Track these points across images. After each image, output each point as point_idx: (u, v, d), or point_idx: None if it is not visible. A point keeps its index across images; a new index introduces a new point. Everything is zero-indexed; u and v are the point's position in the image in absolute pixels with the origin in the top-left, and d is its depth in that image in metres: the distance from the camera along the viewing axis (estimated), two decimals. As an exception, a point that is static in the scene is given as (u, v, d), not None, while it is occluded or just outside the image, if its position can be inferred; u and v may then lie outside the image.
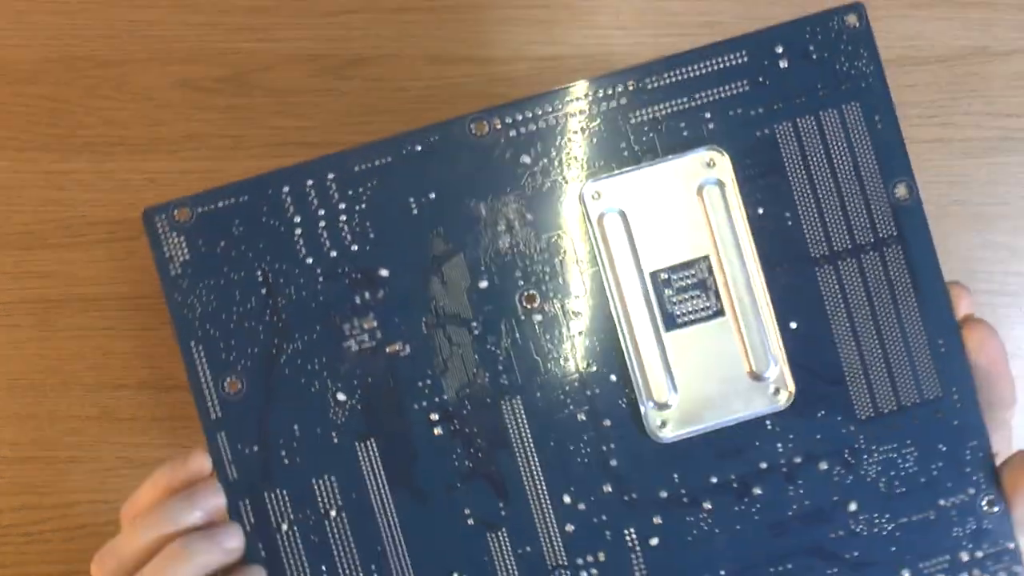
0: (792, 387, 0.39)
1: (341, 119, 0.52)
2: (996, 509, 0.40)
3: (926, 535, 0.40)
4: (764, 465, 0.40)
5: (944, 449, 0.40)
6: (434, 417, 0.39)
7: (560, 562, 0.40)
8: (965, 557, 0.40)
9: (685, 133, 0.40)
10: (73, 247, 0.51)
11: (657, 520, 0.40)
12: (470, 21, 0.51)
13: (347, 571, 0.39)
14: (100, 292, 0.51)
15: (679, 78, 0.40)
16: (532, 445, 0.40)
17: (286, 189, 0.39)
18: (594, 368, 0.40)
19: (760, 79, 0.40)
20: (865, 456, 0.40)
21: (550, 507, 0.40)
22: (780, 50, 0.40)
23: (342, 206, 0.40)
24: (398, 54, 0.52)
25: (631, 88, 0.40)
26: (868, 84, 0.39)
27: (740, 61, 0.40)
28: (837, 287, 0.40)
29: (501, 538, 0.40)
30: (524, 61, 0.52)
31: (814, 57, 0.40)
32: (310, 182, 0.39)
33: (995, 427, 0.41)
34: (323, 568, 0.39)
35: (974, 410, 0.39)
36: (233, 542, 0.39)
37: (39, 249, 0.52)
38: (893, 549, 0.40)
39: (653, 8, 0.51)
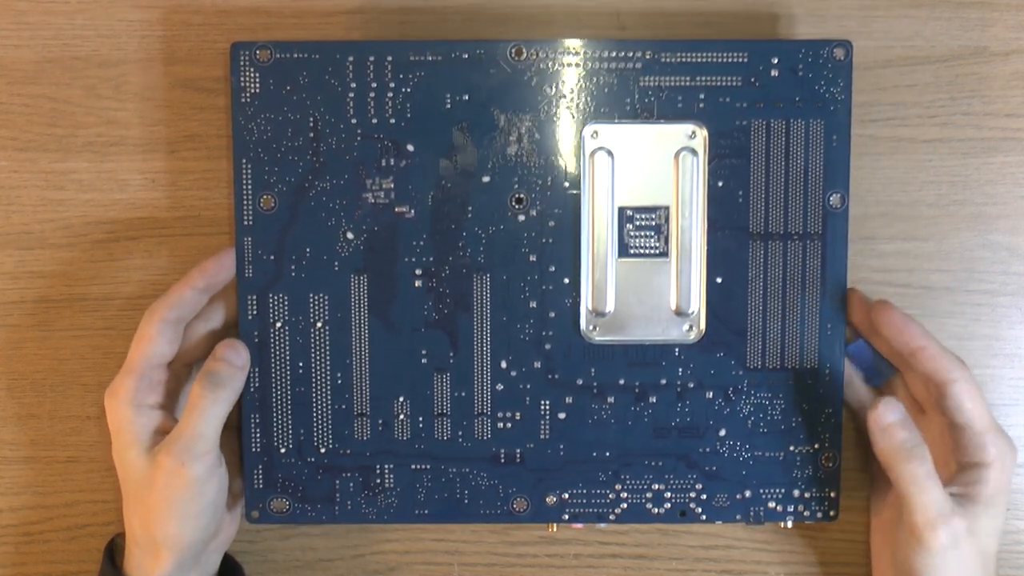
0: (703, 328, 0.49)
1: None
2: (831, 465, 0.49)
3: (772, 469, 0.50)
4: (664, 381, 0.49)
5: (806, 408, 0.49)
6: (418, 272, 0.48)
7: (485, 411, 0.49)
8: (796, 493, 0.50)
9: (679, 105, 0.48)
10: (73, 247, 0.52)
11: (568, 400, 0.49)
12: (469, 21, 0.51)
13: (318, 371, 0.49)
14: (100, 292, 0.51)
15: (688, 60, 0.48)
16: (488, 315, 0.49)
17: (351, 59, 0.47)
18: (553, 269, 0.49)
19: (752, 79, 0.48)
20: (744, 396, 0.49)
21: (489, 367, 0.49)
22: (775, 61, 0.48)
23: (391, 84, 0.48)
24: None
25: (648, 57, 0.48)
26: (836, 108, 0.48)
27: (741, 60, 0.48)
28: (762, 260, 0.49)
29: (444, 380, 0.49)
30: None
31: (800, 74, 0.48)
32: (371, 58, 0.47)
33: (950, 409, 0.46)
34: (300, 364, 0.49)
35: (838, 386, 0.49)
36: (241, 358, 0.48)
37: (39, 249, 0.52)
38: (744, 472, 0.50)
39: (652, 8, 0.51)
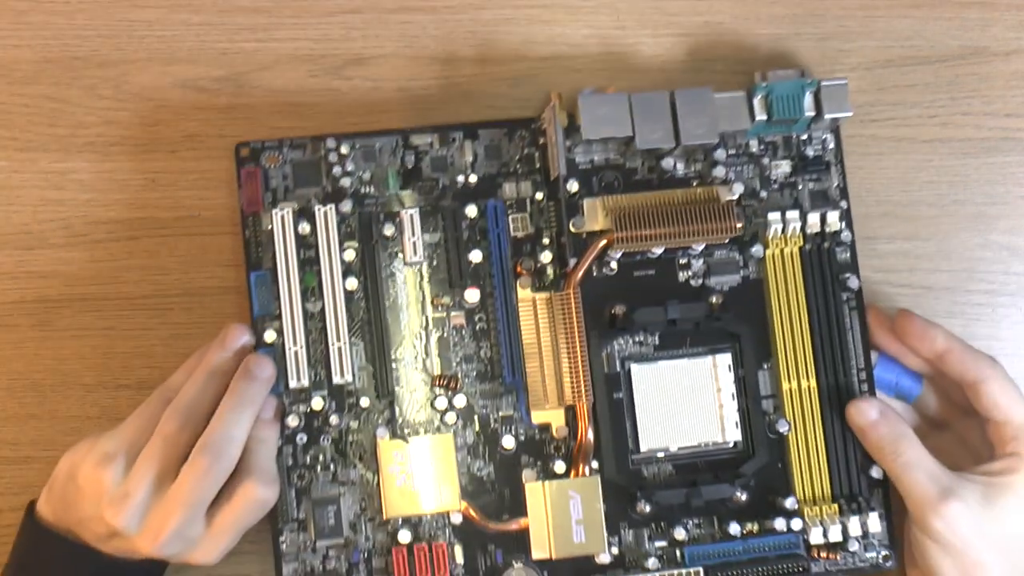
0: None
1: (341, 119, 0.52)
2: None
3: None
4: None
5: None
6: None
7: None
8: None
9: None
10: (73, 247, 0.52)
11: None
12: (470, 21, 0.51)
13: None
14: (100, 292, 0.51)
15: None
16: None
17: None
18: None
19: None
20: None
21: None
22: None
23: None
24: (398, 54, 0.52)
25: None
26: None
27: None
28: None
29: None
30: (524, 61, 0.52)
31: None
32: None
33: (985, 408, 0.46)
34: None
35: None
36: (267, 371, 0.47)
37: (39, 249, 0.51)
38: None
39: (652, 8, 0.51)
